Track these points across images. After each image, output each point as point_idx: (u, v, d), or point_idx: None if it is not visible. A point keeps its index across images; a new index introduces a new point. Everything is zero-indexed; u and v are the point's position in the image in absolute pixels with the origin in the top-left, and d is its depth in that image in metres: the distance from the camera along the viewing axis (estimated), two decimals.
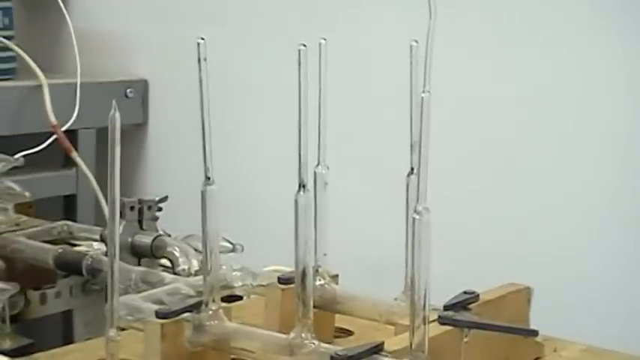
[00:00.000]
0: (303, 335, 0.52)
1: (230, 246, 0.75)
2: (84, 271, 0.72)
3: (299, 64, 0.50)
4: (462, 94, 1.00)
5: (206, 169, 0.54)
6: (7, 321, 0.70)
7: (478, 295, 0.56)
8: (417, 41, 0.53)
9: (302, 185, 0.51)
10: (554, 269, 0.93)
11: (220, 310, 0.55)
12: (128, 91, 1.24)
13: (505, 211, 0.98)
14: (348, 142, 1.04)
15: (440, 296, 0.55)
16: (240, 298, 0.70)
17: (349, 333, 0.64)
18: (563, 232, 0.94)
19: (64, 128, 1.11)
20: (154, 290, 0.61)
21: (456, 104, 0.99)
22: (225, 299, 0.63)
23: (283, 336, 0.53)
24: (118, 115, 0.50)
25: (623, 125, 0.91)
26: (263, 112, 1.16)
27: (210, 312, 0.55)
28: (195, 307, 0.55)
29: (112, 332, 0.52)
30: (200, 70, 0.52)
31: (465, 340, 0.54)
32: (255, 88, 1.17)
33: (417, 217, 0.46)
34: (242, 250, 0.75)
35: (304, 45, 0.50)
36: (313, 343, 0.52)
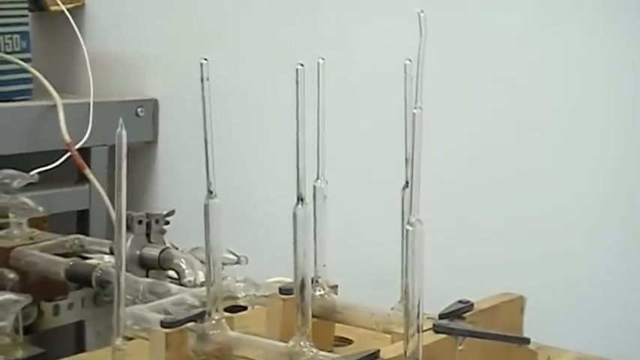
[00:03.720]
0: (302, 344, 0.53)
1: (235, 258, 0.76)
2: (93, 283, 0.73)
3: (296, 82, 0.51)
4: (456, 105, 1.00)
5: (209, 183, 0.55)
6: (21, 331, 0.71)
7: (473, 305, 0.58)
8: (410, 60, 0.55)
9: (300, 199, 0.53)
10: (549, 278, 0.94)
11: (223, 320, 0.56)
12: (139, 110, 1.26)
13: (500, 222, 0.99)
14: (347, 156, 1.06)
15: (437, 306, 0.56)
16: (244, 308, 0.71)
17: (349, 342, 0.65)
18: (559, 241, 0.95)
19: (77, 146, 1.14)
20: (161, 301, 0.63)
21: (449, 115, 1.00)
22: (229, 309, 0.64)
23: (283, 344, 0.54)
24: (124, 132, 0.51)
25: (619, 130, 0.91)
26: (267, 128, 1.17)
27: (214, 321, 0.56)
28: (199, 317, 0.56)
29: (119, 341, 0.53)
30: (203, 88, 0.53)
31: (460, 348, 0.54)
32: (259, 105, 1.18)
33: (410, 228, 0.47)
34: (246, 262, 0.77)
35: (302, 65, 0.52)
36: (312, 351, 0.53)
